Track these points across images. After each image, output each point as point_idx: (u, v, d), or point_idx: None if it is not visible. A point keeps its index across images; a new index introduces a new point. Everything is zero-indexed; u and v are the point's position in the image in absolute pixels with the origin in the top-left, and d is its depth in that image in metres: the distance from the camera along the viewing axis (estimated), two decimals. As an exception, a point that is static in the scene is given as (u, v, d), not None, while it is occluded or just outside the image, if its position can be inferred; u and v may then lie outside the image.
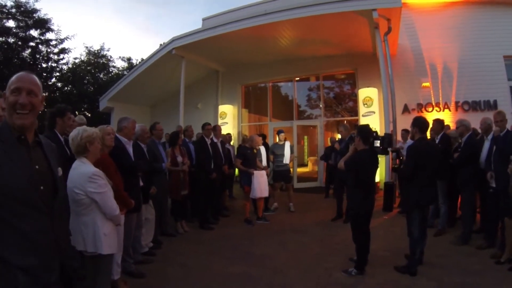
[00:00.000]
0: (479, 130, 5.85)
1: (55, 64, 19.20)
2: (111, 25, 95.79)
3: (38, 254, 1.72)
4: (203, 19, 14.61)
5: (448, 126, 7.89)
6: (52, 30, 18.40)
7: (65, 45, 19.13)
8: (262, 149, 8.08)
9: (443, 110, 10.93)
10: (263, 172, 7.38)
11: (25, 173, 1.71)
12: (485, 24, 10.84)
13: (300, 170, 13.31)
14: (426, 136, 4.78)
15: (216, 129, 7.56)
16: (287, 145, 8.44)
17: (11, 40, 17.21)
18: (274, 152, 8.42)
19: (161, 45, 13.34)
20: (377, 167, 4.80)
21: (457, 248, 5.26)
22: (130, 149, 4.54)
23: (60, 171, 1.96)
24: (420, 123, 4.54)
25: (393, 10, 8.34)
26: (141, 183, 4.67)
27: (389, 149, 6.15)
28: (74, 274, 2.04)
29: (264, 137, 9.61)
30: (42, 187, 1.77)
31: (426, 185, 4.47)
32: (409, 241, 4.56)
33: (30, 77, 1.85)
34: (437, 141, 6.29)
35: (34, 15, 17.59)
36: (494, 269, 4.44)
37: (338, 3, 8.68)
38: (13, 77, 1.81)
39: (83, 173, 2.85)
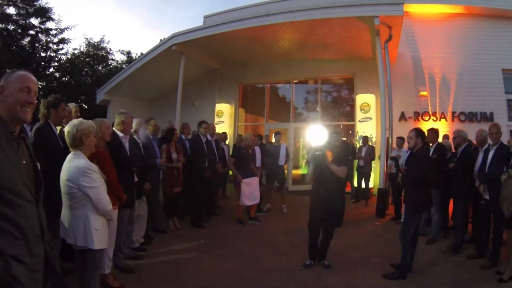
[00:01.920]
0: (474, 142, 5.91)
1: (54, 54, 19.03)
2: (112, 17, 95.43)
3: (28, 243, 1.80)
4: (205, 17, 14.58)
5: (446, 135, 7.95)
6: (52, 19, 18.28)
7: (65, 35, 19.02)
8: (257, 150, 8.07)
9: (440, 120, 10.98)
10: (253, 180, 7.25)
11: (17, 168, 1.80)
12: (485, 37, 10.93)
13: (295, 172, 13.29)
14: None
15: (210, 127, 7.54)
16: (283, 147, 8.44)
17: (11, 27, 17.08)
18: (270, 153, 8.41)
19: (161, 40, 13.30)
20: None
21: (448, 257, 5.29)
22: (127, 144, 4.51)
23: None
24: (423, 134, 4.79)
25: (395, 18, 8.37)
26: (136, 179, 4.65)
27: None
28: (55, 261, 2.08)
29: (260, 137, 9.60)
30: (29, 181, 1.88)
31: (428, 190, 4.92)
32: (402, 245, 4.61)
33: (35, 79, 2.00)
34: (431, 150, 6.31)
35: (35, 3, 17.48)
36: (484, 279, 4.46)
37: (341, 8, 8.70)
38: (20, 75, 1.94)
39: (77, 166, 2.83)
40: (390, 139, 8.77)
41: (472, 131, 6.37)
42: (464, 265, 4.96)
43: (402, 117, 11.27)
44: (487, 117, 10.53)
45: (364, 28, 9.02)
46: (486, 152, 5.19)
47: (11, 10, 17.03)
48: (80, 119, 3.07)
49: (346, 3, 8.75)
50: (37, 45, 18.03)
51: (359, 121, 11.34)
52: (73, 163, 2.86)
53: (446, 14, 11.34)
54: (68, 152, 2.98)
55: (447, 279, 4.48)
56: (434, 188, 6.00)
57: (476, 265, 4.89)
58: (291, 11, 9.27)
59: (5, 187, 1.70)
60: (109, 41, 26.08)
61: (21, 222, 1.77)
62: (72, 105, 5.15)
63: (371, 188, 10.25)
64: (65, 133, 2.95)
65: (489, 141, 5.33)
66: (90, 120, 3.18)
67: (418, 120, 11.15)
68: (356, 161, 10.01)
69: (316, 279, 4.45)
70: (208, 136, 7.33)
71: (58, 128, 4.11)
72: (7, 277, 1.67)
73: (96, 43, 23.26)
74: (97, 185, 2.88)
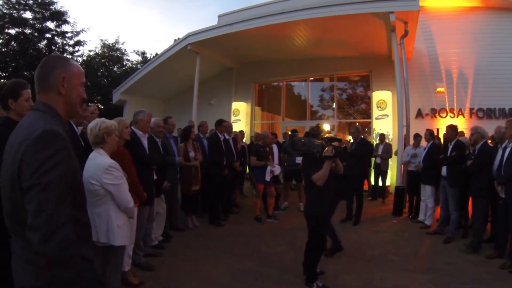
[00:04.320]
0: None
1: (70, 56, 19.30)
2: (125, 18, 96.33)
3: (92, 243, 1.76)
4: (219, 16, 14.66)
5: (462, 132, 7.82)
6: (68, 23, 18.72)
7: (80, 37, 19.53)
8: (275, 148, 8.07)
9: (457, 117, 10.84)
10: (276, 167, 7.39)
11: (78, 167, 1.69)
12: (503, 30, 10.75)
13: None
14: None
15: (228, 126, 7.58)
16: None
17: (27, 31, 17.48)
18: (287, 151, 8.40)
19: (175, 40, 13.37)
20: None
21: (466, 256, 5.21)
22: (145, 142, 4.57)
23: None
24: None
25: (411, 13, 8.30)
26: (155, 177, 4.71)
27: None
28: None
29: (275, 136, 9.60)
30: None
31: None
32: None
33: None
34: (450, 147, 6.22)
35: (51, 7, 17.85)
36: (503, 278, 4.39)
37: (356, 4, 8.64)
38: (79, 67, 1.73)
39: (100, 164, 2.88)
40: (407, 137, 8.68)
41: (491, 128, 6.25)
42: (483, 265, 4.88)
43: (419, 114, 11.17)
44: (506, 114, 10.33)
45: (380, 24, 8.96)
46: (505, 150, 5.04)
47: (28, 15, 17.44)
48: (103, 118, 3.13)
49: (361, -1, 8.70)
50: (53, 48, 18.42)
51: (376, 119, 11.24)
52: (95, 160, 2.91)
53: (462, 8, 11.18)
54: (90, 152, 3.04)
55: (466, 278, 4.42)
56: (452, 186, 5.95)
57: (495, 265, 4.80)
58: (305, 8, 9.25)
59: (78, 190, 1.60)
60: (124, 42, 26.44)
61: (89, 225, 1.72)
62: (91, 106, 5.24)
63: (388, 186, 10.16)
64: (88, 131, 3.01)
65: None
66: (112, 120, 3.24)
67: (435, 117, 11.04)
68: (373, 159, 9.94)
69: (333, 277, 4.45)
70: (226, 135, 7.36)
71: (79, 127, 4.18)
72: (96, 285, 1.62)
73: (111, 45, 23.59)
74: (119, 182, 2.93)
